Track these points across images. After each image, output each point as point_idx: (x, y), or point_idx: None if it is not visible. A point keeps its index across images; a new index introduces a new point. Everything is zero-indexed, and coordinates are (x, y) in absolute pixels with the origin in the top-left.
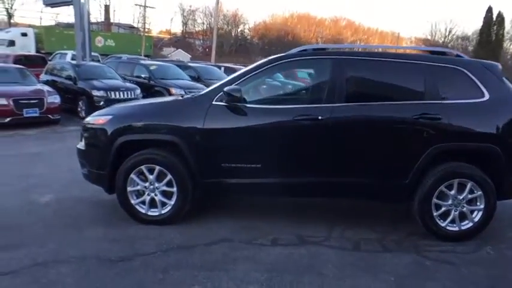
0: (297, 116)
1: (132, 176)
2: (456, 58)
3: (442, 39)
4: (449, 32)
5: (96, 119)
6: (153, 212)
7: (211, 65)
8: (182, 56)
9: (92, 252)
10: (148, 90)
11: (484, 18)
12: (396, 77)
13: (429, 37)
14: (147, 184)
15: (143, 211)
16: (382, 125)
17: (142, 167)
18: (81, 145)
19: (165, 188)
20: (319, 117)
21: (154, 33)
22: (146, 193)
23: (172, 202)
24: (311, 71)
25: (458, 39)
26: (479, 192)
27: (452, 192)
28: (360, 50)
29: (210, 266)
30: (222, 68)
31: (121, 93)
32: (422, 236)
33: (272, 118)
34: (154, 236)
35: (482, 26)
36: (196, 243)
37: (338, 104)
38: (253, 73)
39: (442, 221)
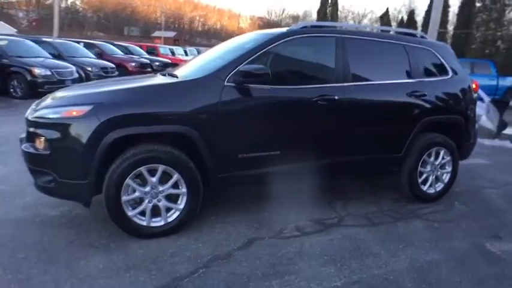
0: (317, 96)
1: (128, 181)
2: (425, 39)
3: (277, 18)
4: (283, 11)
5: (65, 110)
6: (156, 222)
7: (73, 41)
8: (6, 29)
9: None
10: (0, 73)
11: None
12: (390, 57)
13: (267, 16)
14: (147, 189)
15: (144, 223)
16: (385, 103)
17: (142, 169)
18: (36, 148)
19: (171, 190)
20: (336, 97)
21: None
22: (147, 200)
23: (180, 206)
24: (313, 48)
25: (290, 18)
26: (449, 158)
27: (431, 159)
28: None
29: (272, 272)
30: (82, 44)
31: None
32: (406, 201)
33: (293, 99)
34: (173, 252)
35: (320, 6)
36: (228, 249)
37: (347, 83)
38: (261, 51)
39: (423, 186)
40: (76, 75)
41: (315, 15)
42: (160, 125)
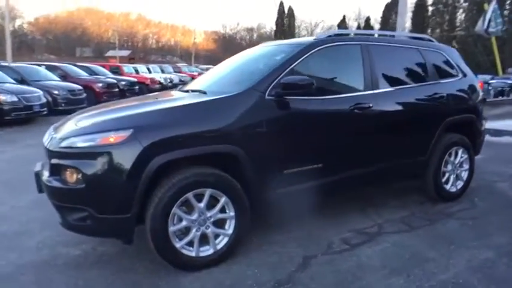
0: (353, 105)
1: (175, 209)
2: (434, 42)
3: (232, 31)
4: (238, 24)
5: (101, 137)
6: (205, 252)
7: (33, 64)
8: None
9: None
10: None
11: (278, 11)
12: (410, 61)
13: (221, 30)
14: (194, 216)
15: (192, 254)
16: (413, 107)
17: (189, 195)
18: (65, 181)
19: (219, 215)
20: (370, 105)
21: None
22: (194, 229)
23: (229, 231)
24: (342, 57)
25: (245, 31)
26: (466, 156)
27: (452, 159)
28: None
29: None
30: (43, 67)
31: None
32: (431, 202)
33: (331, 109)
34: (232, 283)
35: (277, 17)
36: (287, 272)
37: (377, 90)
38: (296, 62)
39: (446, 185)
40: (44, 99)
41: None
42: (206, 145)
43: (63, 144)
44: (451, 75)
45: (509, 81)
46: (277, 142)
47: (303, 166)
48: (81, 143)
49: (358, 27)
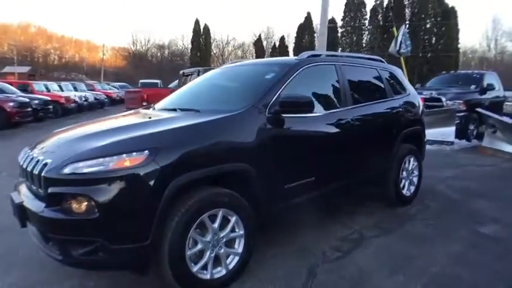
0: (336, 121)
1: (192, 233)
2: (386, 63)
3: (142, 48)
4: (148, 41)
5: (114, 161)
6: (219, 273)
7: None
8: None
9: None
10: None
11: (193, 29)
12: (374, 80)
13: (132, 46)
14: (208, 238)
15: (208, 277)
16: (381, 121)
17: (204, 216)
18: (71, 212)
19: (231, 235)
20: (350, 119)
21: None
22: (208, 251)
23: (239, 250)
24: (321, 76)
25: (156, 48)
26: (416, 163)
27: (406, 166)
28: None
29: None
30: None
31: None
32: (391, 207)
33: (320, 126)
34: None
35: (193, 35)
36: (300, 283)
37: (351, 106)
38: (288, 81)
39: (403, 190)
40: None
41: (181, 44)
42: (221, 164)
43: (66, 170)
44: (401, 92)
45: (421, 96)
46: (279, 158)
47: (300, 180)
48: (89, 168)
49: (274, 47)
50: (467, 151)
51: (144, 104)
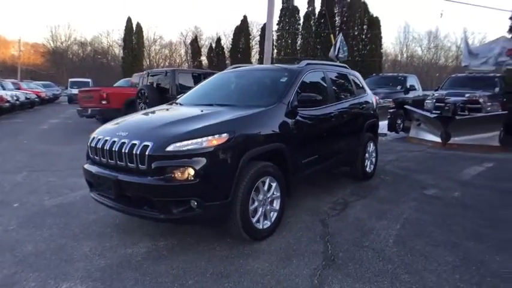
0: (331, 112)
1: (253, 194)
2: (350, 69)
3: (63, 44)
4: (69, 37)
5: (205, 140)
6: (266, 224)
7: None
8: None
9: None
10: None
11: (126, 27)
12: (346, 82)
13: (51, 42)
14: (261, 198)
15: (260, 227)
16: (355, 113)
17: (259, 182)
18: (175, 179)
19: (273, 195)
20: (334, 113)
21: None
22: (261, 208)
23: (277, 207)
24: (316, 79)
25: (78, 45)
26: (374, 147)
27: (369, 149)
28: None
29: (377, 215)
30: None
31: None
32: (358, 181)
33: (322, 116)
34: (293, 236)
35: (125, 33)
36: (322, 229)
37: (335, 103)
38: (299, 83)
39: (367, 168)
40: None
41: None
42: (269, 143)
43: (170, 148)
44: (363, 92)
45: None
46: (299, 141)
47: (311, 157)
48: (188, 146)
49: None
50: (399, 141)
51: (104, 102)
